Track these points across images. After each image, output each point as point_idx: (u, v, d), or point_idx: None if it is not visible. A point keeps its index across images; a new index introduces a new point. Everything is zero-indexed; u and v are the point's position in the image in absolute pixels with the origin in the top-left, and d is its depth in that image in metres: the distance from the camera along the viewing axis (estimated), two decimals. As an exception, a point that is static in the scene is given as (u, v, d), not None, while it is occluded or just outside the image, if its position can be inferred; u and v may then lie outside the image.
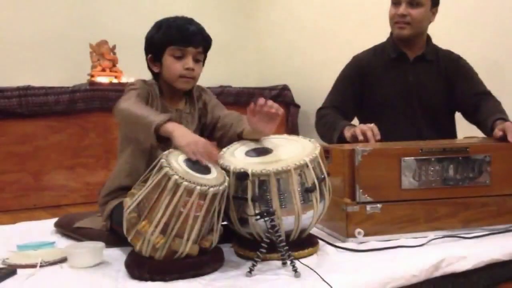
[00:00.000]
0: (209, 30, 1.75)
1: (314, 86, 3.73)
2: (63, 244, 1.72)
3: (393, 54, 2.24)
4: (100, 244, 1.55)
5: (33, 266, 1.47)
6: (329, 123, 2.18)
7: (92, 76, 3.31)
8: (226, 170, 1.47)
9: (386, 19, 2.25)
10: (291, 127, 3.85)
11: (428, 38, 2.27)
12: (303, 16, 3.95)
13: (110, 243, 1.63)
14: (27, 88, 2.93)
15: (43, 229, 2.01)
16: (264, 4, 4.38)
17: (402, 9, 2.14)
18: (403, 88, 2.22)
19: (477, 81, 2.23)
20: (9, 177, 2.90)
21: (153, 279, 1.33)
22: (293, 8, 4.04)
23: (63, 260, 1.53)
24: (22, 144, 2.94)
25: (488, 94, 2.18)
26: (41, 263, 1.48)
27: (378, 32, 2.35)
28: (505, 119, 1.97)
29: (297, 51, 4.01)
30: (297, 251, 1.48)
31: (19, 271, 1.45)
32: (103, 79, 3.30)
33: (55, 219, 2.04)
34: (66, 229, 1.89)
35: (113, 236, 1.67)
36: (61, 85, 3.07)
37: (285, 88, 3.91)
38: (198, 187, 1.32)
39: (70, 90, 3.05)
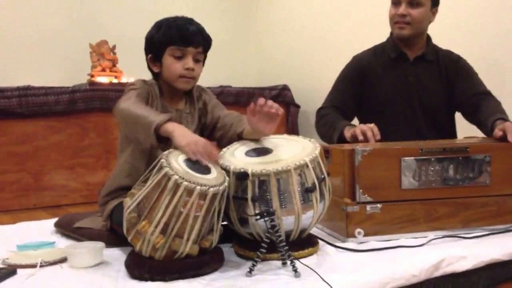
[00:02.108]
0: (209, 30, 1.75)
1: (314, 86, 3.73)
2: (63, 244, 1.72)
3: (393, 54, 2.24)
4: (100, 244, 1.55)
5: (33, 266, 1.47)
6: (329, 123, 2.18)
7: (92, 76, 3.31)
8: (226, 170, 1.47)
9: (386, 19, 2.25)
10: (291, 127, 3.85)
11: (428, 38, 2.27)
12: (303, 16, 3.95)
13: (110, 243, 1.63)
14: (27, 88, 2.93)
15: (43, 229, 2.01)
16: (264, 4, 4.38)
17: (402, 9, 2.14)
18: (403, 88, 2.22)
19: (477, 81, 2.23)
20: (9, 177, 2.90)
21: (153, 279, 1.33)
22: (293, 8, 4.04)
23: (63, 260, 1.53)
24: (22, 144, 2.94)
25: (488, 94, 2.18)
26: (41, 263, 1.48)
27: (378, 32, 2.35)
28: (505, 119, 1.97)
29: (297, 51, 4.01)
30: (297, 251, 1.48)
31: (19, 271, 1.45)
32: (103, 79, 3.30)
33: (55, 219, 2.04)
34: (66, 229, 1.89)
35: (113, 236, 1.67)
36: (61, 85, 3.06)
37: (285, 88, 3.91)
38: (198, 187, 1.32)
39: (70, 90, 3.05)
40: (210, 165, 1.44)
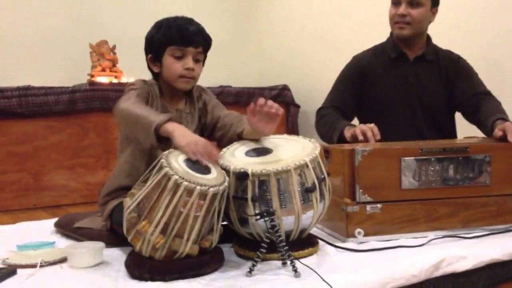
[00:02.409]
0: (209, 30, 1.75)
1: (314, 86, 3.73)
2: (63, 244, 1.72)
3: (393, 54, 2.24)
4: (100, 244, 1.55)
5: (33, 266, 1.47)
6: (329, 123, 2.18)
7: (92, 76, 3.31)
8: (226, 170, 1.47)
9: (386, 19, 2.25)
10: (291, 127, 3.85)
11: (428, 38, 2.27)
12: (303, 16, 3.95)
13: (110, 243, 1.63)
14: (27, 88, 2.93)
15: (43, 229, 2.01)
16: (264, 4, 4.38)
17: (402, 9, 2.14)
18: (403, 88, 2.22)
19: (477, 81, 2.23)
20: (9, 177, 2.90)
21: (153, 279, 1.33)
22: (293, 8, 4.04)
23: (63, 260, 1.53)
24: (22, 144, 2.94)
25: (488, 94, 2.18)
26: (41, 263, 1.48)
27: (378, 32, 2.35)
28: (505, 119, 1.97)
29: (297, 51, 4.01)
30: (297, 251, 1.48)
31: (19, 271, 1.45)
32: (103, 79, 3.30)
33: (55, 219, 2.04)
34: (66, 229, 1.89)
35: (113, 236, 1.67)
36: (61, 85, 3.07)
37: (285, 88, 3.91)
38: (198, 187, 1.32)
39: (70, 90, 3.05)
40: (210, 165, 1.44)
